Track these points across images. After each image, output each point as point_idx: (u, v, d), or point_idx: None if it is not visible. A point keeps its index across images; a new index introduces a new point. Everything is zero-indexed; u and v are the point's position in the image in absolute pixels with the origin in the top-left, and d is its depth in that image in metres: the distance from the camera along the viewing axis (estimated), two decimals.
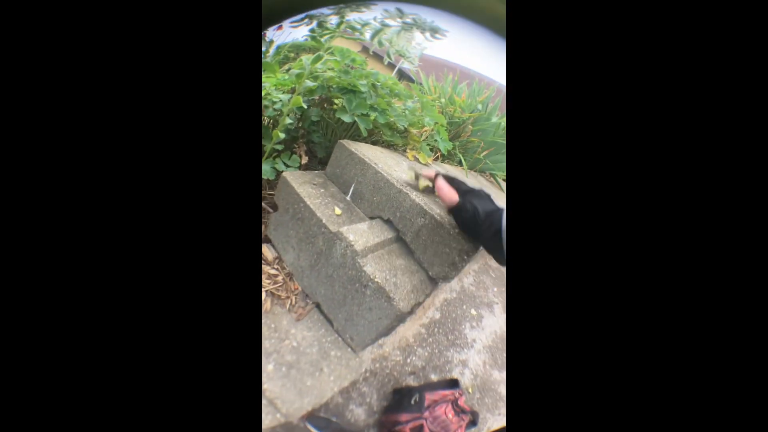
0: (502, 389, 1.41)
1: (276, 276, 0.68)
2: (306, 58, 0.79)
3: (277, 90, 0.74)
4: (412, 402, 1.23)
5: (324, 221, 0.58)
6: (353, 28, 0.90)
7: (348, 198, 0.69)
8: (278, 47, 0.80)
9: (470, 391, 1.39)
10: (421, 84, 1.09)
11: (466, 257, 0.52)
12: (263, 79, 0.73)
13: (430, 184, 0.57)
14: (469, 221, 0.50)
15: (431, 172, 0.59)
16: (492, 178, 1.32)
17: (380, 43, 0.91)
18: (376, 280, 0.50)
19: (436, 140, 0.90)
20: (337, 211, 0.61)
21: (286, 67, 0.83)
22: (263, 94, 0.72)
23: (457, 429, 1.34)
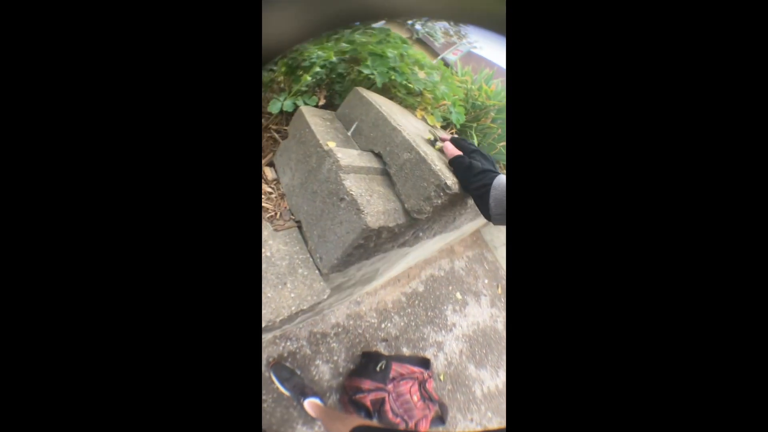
0: (478, 390, 1.37)
1: (270, 194, 0.75)
2: (358, 33, 0.89)
3: (317, 48, 0.84)
4: (378, 369, 1.22)
5: (320, 141, 0.63)
6: (429, 34, 1.07)
7: (349, 134, 0.74)
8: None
9: (441, 378, 1.36)
10: (456, 71, 1.13)
11: (441, 194, 0.54)
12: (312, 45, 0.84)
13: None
14: (461, 171, 0.54)
15: (446, 136, 0.66)
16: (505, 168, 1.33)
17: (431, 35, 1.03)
18: (351, 192, 0.54)
19: (450, 112, 0.94)
20: (331, 143, 0.66)
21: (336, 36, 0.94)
22: (307, 54, 0.84)
23: (422, 418, 1.30)
